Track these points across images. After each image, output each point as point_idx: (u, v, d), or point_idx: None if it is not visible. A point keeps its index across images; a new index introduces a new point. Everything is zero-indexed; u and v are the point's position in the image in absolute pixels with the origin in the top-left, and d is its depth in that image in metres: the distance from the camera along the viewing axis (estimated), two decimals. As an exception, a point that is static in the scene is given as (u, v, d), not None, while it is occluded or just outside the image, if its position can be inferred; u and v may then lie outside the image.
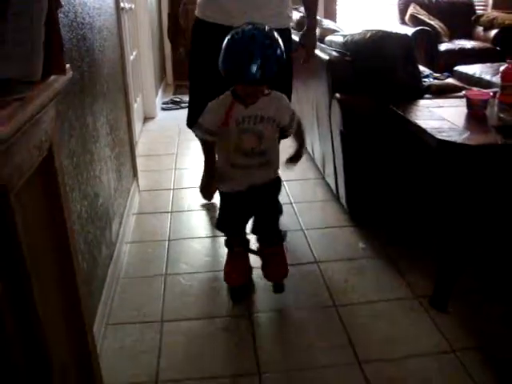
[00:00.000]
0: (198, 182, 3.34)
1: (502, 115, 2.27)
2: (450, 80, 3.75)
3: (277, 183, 2.34)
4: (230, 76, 2.02)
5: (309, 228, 2.93)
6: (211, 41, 2.47)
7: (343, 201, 2.99)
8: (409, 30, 5.32)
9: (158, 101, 5.50)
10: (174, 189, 3.51)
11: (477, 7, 6.42)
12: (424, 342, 2.06)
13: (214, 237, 2.86)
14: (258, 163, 2.18)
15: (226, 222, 2.41)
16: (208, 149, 2.33)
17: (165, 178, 3.69)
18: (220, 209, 2.43)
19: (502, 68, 2.65)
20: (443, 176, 2.28)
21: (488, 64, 4.64)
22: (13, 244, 1.02)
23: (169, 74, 6.55)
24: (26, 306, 1.07)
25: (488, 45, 5.90)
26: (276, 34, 2.01)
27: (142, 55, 4.95)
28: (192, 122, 2.68)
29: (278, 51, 1.98)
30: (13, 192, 1.01)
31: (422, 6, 6.19)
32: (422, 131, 2.18)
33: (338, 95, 2.77)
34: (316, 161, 3.58)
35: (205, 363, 1.98)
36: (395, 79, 2.71)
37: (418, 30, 5.60)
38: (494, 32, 5.97)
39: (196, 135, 2.26)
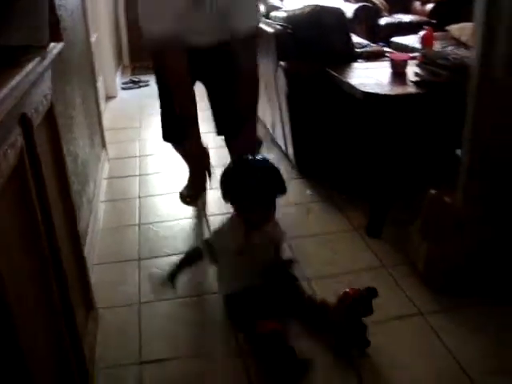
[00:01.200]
0: (163, 151, 3.67)
1: (418, 72, 2.68)
2: (385, 49, 4.16)
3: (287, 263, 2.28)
4: (239, 198, 2.06)
5: (263, 182, 3.30)
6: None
7: (292, 157, 3.39)
8: (351, 6, 5.72)
9: (118, 81, 5.80)
10: (139, 156, 3.87)
11: (414, -17, 6.81)
12: (360, 261, 2.50)
13: (176, 193, 3.18)
14: None
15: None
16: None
17: (131, 147, 4.04)
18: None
19: (421, 33, 3.09)
20: (371, 124, 2.70)
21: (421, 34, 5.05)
22: (36, 166, 1.38)
23: (125, 56, 6.82)
24: (46, 218, 1.43)
25: (425, 18, 6.27)
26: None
27: (102, 38, 5.23)
28: (166, 135, 2.78)
29: (276, 172, 2.06)
30: (34, 126, 1.37)
31: (363, -17, 6.57)
32: (351, 87, 2.59)
33: (282, 63, 3.15)
34: (267, 125, 3.95)
35: (179, 287, 2.36)
36: (331, 47, 3.10)
37: (360, 6, 5.97)
38: (430, 6, 6.36)
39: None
